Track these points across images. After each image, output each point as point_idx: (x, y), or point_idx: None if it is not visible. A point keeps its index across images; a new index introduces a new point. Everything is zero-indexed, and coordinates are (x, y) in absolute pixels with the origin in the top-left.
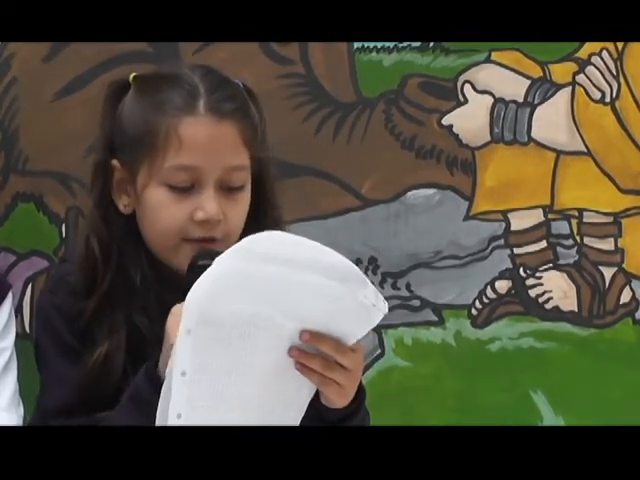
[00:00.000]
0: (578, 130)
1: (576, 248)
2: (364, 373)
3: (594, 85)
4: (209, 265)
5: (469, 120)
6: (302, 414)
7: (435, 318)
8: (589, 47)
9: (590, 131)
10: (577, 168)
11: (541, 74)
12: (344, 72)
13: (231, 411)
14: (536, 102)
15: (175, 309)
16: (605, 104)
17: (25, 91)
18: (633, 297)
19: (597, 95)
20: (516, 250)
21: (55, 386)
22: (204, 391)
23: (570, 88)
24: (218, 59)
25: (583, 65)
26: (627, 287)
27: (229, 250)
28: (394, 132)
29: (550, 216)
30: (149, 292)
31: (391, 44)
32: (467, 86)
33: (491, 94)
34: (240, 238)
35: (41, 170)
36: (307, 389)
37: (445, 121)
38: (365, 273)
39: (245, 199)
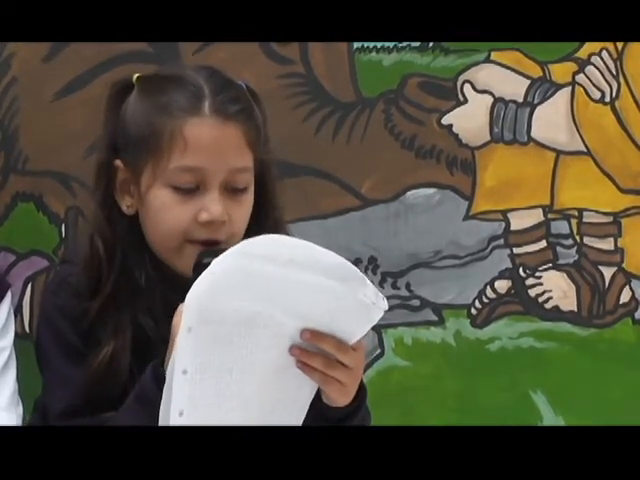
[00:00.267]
0: (578, 130)
1: (576, 248)
2: (364, 373)
3: (594, 85)
4: None
5: (469, 120)
6: (304, 413)
7: (435, 318)
8: (589, 47)
9: (590, 131)
10: (577, 168)
11: (541, 74)
12: (344, 72)
13: (233, 409)
14: (536, 102)
15: (180, 308)
16: (605, 104)
17: (25, 91)
18: (633, 297)
19: (597, 95)
20: (516, 250)
21: (59, 388)
22: (206, 389)
23: (570, 88)
24: (218, 59)
25: (583, 65)
26: (627, 287)
27: (228, 251)
28: (394, 132)
29: (550, 216)
30: (154, 293)
31: (391, 44)
32: (467, 86)
33: (491, 94)
34: (242, 239)
35: (41, 170)
36: (308, 387)
37: (445, 121)
38: (365, 273)
39: (249, 201)
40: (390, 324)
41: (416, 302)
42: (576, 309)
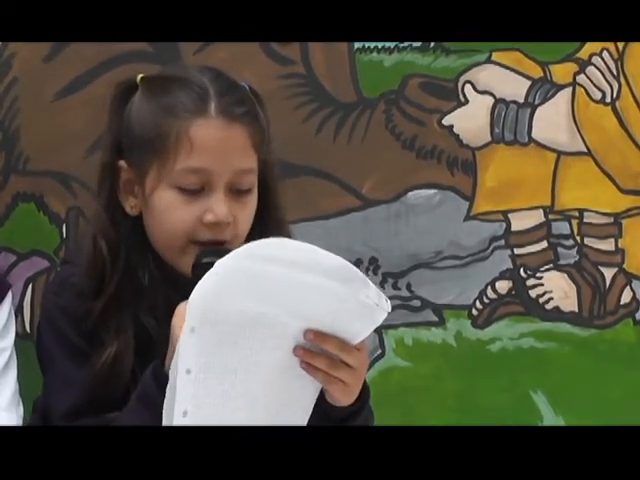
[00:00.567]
0: (579, 130)
1: (576, 248)
2: None
3: (595, 85)
4: (214, 263)
5: (470, 120)
6: (309, 413)
7: (435, 318)
8: (590, 47)
9: (591, 131)
10: (578, 168)
11: (542, 74)
12: (345, 72)
13: (237, 409)
14: (537, 102)
15: (179, 308)
16: (606, 104)
17: (26, 91)
18: (633, 297)
19: (598, 95)
20: (517, 250)
21: (63, 389)
22: (210, 389)
23: (571, 88)
24: (218, 59)
25: (584, 65)
26: (627, 287)
27: (232, 253)
28: (395, 132)
29: (551, 216)
30: (156, 293)
31: (392, 44)
32: (468, 86)
33: (492, 94)
34: (245, 240)
35: (41, 170)
36: (312, 388)
37: (446, 121)
38: (366, 273)
39: (253, 202)
40: (391, 324)
41: (417, 302)
42: (577, 310)
